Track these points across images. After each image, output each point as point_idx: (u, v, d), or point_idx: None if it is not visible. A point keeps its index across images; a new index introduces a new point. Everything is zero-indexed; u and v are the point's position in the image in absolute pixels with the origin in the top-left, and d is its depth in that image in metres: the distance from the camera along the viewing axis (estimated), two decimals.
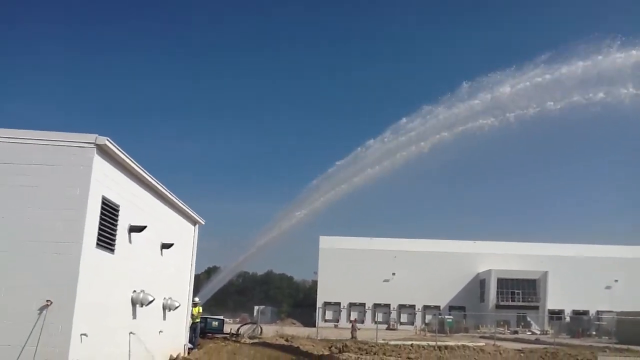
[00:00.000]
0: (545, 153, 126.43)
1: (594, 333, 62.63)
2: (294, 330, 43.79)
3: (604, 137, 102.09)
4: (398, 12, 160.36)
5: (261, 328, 39.88)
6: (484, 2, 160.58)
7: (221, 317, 36.18)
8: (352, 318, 62.46)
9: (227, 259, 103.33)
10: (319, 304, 80.00)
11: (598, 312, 75.27)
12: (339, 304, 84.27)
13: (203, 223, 22.91)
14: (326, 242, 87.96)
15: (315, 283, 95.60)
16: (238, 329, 35.52)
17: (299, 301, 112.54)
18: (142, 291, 15.56)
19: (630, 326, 48.99)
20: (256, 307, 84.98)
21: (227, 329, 34.68)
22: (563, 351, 30.42)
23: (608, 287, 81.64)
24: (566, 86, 54.38)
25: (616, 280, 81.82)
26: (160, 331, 18.10)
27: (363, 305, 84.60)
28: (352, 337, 41.70)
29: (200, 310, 25.26)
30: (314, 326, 48.74)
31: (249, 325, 41.19)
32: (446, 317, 68.21)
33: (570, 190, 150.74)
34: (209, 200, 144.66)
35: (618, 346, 39.67)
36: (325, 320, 77.51)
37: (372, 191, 78.00)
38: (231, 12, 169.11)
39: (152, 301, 15.83)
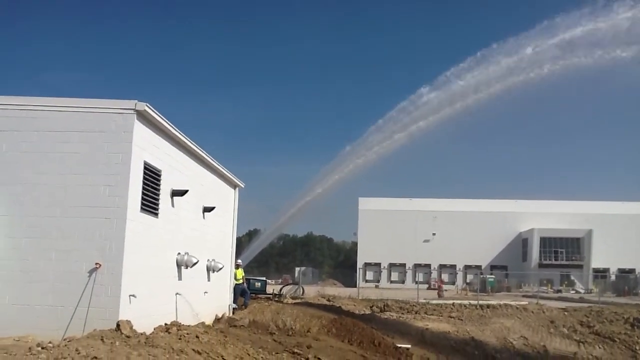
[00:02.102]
0: (586, 111, 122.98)
1: None
2: (335, 291, 44.28)
3: None
4: None
5: (303, 288, 40.44)
6: None
7: (264, 279, 36.78)
8: (436, 279, 62.04)
9: (268, 221, 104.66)
10: (360, 264, 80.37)
11: None
12: (379, 264, 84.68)
13: (243, 186, 23.16)
14: (365, 204, 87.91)
15: (355, 244, 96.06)
16: (280, 290, 36.07)
17: (339, 262, 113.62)
18: (187, 253, 15.93)
19: None
20: (297, 269, 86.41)
21: (269, 290, 35.28)
22: (608, 309, 29.97)
23: None
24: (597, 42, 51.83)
25: None
26: (205, 292, 18.56)
27: (403, 265, 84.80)
28: (440, 296, 42.76)
29: (243, 273, 25.73)
30: (355, 287, 49.14)
31: (291, 286, 41.78)
32: (488, 276, 67.83)
33: (614, 147, 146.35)
34: (247, 164, 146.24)
35: None
36: (366, 281, 77.90)
37: (410, 152, 77.25)
38: None
39: (196, 263, 16.20)
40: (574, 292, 65.65)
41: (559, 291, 66.04)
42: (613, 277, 71.54)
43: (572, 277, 76.05)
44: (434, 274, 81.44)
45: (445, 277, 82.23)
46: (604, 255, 77.43)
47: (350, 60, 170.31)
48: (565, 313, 28.78)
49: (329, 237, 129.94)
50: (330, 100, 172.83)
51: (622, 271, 75.31)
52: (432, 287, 65.05)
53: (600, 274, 71.52)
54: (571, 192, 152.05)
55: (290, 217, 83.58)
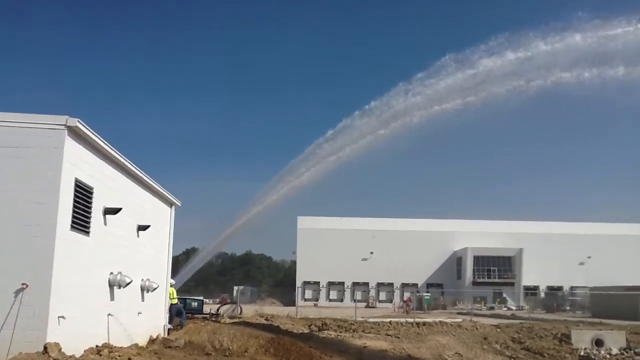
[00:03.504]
0: (519, 132, 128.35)
1: (568, 308, 63.97)
2: (274, 310, 43.98)
3: (572, 118, 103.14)
4: None
5: (241, 308, 39.99)
6: None
7: (200, 298, 36.19)
8: (405, 298, 62.10)
9: (206, 240, 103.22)
10: (298, 283, 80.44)
11: (572, 288, 76.88)
12: (318, 283, 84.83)
13: (179, 204, 22.82)
14: (304, 223, 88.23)
15: (294, 263, 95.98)
16: (218, 309, 35.54)
17: (278, 281, 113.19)
18: (120, 273, 15.52)
19: (602, 300, 50.12)
20: (236, 288, 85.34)
21: (207, 309, 34.71)
22: (538, 325, 31.08)
23: (581, 263, 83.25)
24: (541, 66, 54.68)
25: (589, 257, 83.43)
26: (139, 312, 18.10)
27: (342, 284, 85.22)
28: (408, 314, 43.38)
29: (174, 292, 25.20)
30: (294, 305, 49.01)
31: (229, 305, 41.26)
32: (424, 294, 69.12)
33: (545, 168, 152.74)
34: (188, 181, 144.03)
35: (591, 320, 40.56)
36: (305, 300, 77.99)
37: (348, 171, 78.33)
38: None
39: (129, 283, 15.80)
40: (506, 309, 67.69)
41: (492, 308, 67.97)
42: (542, 294, 74.31)
43: (505, 295, 78.49)
44: (372, 292, 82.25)
45: (383, 295, 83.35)
46: (534, 273, 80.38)
47: (297, 72, 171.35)
48: (498, 330, 29.63)
49: (268, 256, 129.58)
50: (275, 114, 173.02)
51: (551, 288, 78.40)
52: (369, 305, 65.58)
53: (531, 291, 74.18)
54: (504, 211, 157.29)
55: (229, 235, 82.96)
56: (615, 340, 25.99)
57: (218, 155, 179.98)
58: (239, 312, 38.13)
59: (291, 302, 60.69)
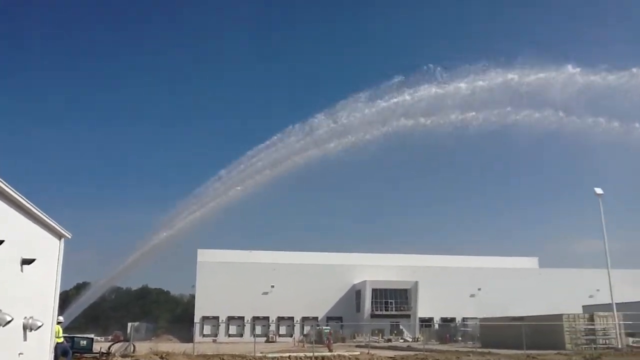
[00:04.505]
0: (413, 169, 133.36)
1: (460, 338, 66.30)
2: (170, 347, 42.39)
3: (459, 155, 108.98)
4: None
5: (134, 346, 38.17)
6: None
7: (90, 336, 34.27)
8: (329, 332, 60.90)
9: (100, 273, 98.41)
10: (197, 318, 78.37)
11: (464, 319, 79.98)
12: (217, 318, 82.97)
13: (69, 237, 21.70)
14: (204, 255, 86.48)
15: (193, 297, 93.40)
16: (109, 348, 33.79)
17: (176, 316, 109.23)
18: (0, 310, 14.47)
19: (491, 330, 52.33)
20: (130, 324, 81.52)
21: (97, 348, 32.91)
22: (432, 356, 32.09)
23: (472, 295, 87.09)
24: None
25: (479, 289, 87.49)
26: (21, 353, 16.89)
27: (242, 318, 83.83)
28: (330, 350, 42.11)
29: (60, 330, 23.76)
30: (192, 342, 47.50)
31: (122, 343, 39.33)
32: (324, 327, 69.34)
33: (438, 203, 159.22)
34: (80, 210, 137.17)
35: (481, 350, 42.25)
36: (204, 335, 76.14)
37: (248, 204, 78.31)
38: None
39: (10, 321, 14.74)
40: (402, 340, 69.31)
41: (389, 340, 69.34)
42: (436, 326, 76.83)
43: (401, 327, 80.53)
44: (272, 327, 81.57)
45: (283, 329, 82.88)
46: (429, 305, 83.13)
47: (188, 106, 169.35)
48: None
49: (166, 290, 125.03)
50: (175, 146, 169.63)
51: (444, 320, 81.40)
52: (269, 340, 64.69)
53: (426, 322, 76.58)
54: (401, 245, 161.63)
55: (125, 269, 79.66)
56: None
57: (114, 187, 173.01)
58: (132, 350, 36.39)
59: (189, 338, 58.76)
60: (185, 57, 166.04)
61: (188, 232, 76.27)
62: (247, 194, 69.69)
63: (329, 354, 34.55)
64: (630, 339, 43.22)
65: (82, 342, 31.28)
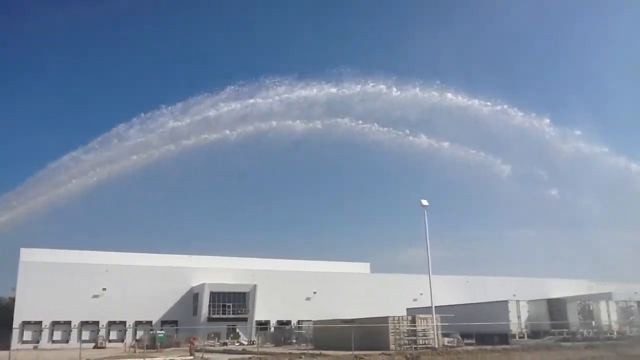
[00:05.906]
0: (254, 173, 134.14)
1: (294, 341, 68.00)
2: None
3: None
4: None
5: None
6: None
7: None
8: (192, 336, 56.90)
9: None
10: (16, 324, 72.23)
11: (299, 322, 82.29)
12: (40, 323, 76.76)
13: None
14: (28, 255, 79.60)
15: (13, 300, 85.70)
16: None
17: None
18: None
19: (324, 333, 54.26)
20: None
21: None
22: (265, 359, 32.82)
23: (308, 299, 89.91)
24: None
25: (314, 292, 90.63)
26: None
27: (68, 323, 78.51)
28: (191, 354, 40.06)
29: None
30: (9, 349, 43.74)
31: None
32: (157, 332, 67.53)
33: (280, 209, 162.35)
34: None
35: (313, 351, 43.75)
36: (24, 342, 70.61)
37: (81, 201, 73.60)
38: None
39: None
40: (238, 344, 69.57)
41: (225, 344, 69.22)
42: (272, 329, 78.22)
43: (238, 330, 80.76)
44: (102, 332, 77.60)
45: (114, 334, 79.28)
46: (266, 309, 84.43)
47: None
48: None
49: None
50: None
51: (280, 323, 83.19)
52: (98, 345, 61.66)
53: (262, 326, 77.60)
54: (242, 249, 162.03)
55: None
56: None
57: None
58: None
59: (6, 346, 54.05)
60: None
61: (8, 229, 69.76)
62: (76, 193, 65.21)
63: (161, 358, 33.89)
64: (446, 339, 47.34)
65: None
